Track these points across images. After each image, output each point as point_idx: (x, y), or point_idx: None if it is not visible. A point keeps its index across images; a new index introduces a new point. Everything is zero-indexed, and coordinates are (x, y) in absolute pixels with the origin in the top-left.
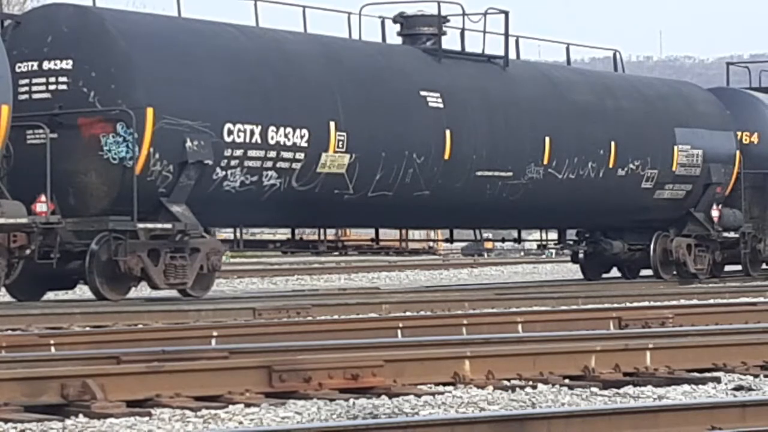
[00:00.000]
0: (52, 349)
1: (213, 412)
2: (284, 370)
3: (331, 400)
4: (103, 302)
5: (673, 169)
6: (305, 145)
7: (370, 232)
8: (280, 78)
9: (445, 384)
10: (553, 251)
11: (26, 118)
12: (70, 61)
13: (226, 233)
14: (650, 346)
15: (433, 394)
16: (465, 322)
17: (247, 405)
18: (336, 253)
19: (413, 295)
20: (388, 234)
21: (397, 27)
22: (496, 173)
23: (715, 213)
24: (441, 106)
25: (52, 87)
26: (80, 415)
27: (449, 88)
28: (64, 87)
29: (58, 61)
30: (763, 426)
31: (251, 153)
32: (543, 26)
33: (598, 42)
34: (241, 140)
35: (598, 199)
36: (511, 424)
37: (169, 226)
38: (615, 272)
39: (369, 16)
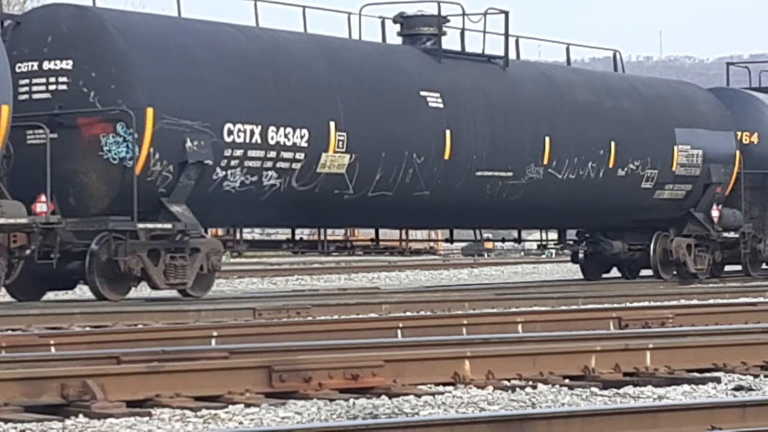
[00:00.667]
0: (52, 349)
1: (213, 412)
2: (284, 370)
3: (331, 400)
4: (103, 302)
5: (673, 169)
6: (305, 145)
7: (382, 233)
8: (280, 78)
9: (445, 384)
10: (553, 251)
11: (26, 118)
12: (70, 61)
13: (245, 233)
14: (650, 346)
15: (433, 394)
16: (465, 322)
17: (247, 405)
18: (345, 253)
19: (413, 295)
20: (391, 234)
21: (397, 27)
22: (496, 173)
23: (715, 213)
24: (441, 106)
25: (52, 87)
26: (80, 415)
27: (449, 88)
28: (64, 87)
29: (58, 61)
30: (763, 426)
31: (251, 153)
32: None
33: (598, 42)
34: (241, 140)
35: (598, 199)
36: (511, 424)
37: (169, 226)
38: (615, 272)
39: (369, 16)
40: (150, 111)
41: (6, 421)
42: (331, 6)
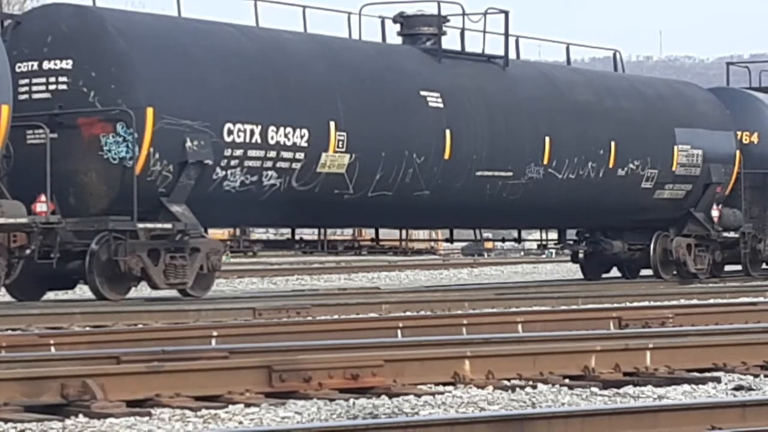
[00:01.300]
0: (52, 349)
1: (213, 412)
2: (284, 370)
3: (331, 400)
4: (103, 302)
5: (673, 169)
6: (305, 145)
7: (385, 233)
8: (280, 78)
9: (445, 384)
10: (553, 251)
11: (26, 118)
12: (70, 61)
13: (259, 233)
14: (650, 346)
15: (433, 394)
16: (465, 322)
17: (247, 405)
18: (352, 253)
19: (413, 295)
20: (394, 234)
21: (397, 27)
22: (496, 173)
23: (715, 213)
24: (441, 106)
25: (52, 87)
26: (80, 415)
27: (449, 88)
28: (64, 87)
29: (58, 61)
30: (763, 426)
31: (251, 153)
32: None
33: (598, 42)
34: (241, 140)
35: (598, 199)
36: (511, 424)
37: (169, 226)
38: (615, 272)
39: (369, 16)
40: (150, 111)
41: (6, 421)
42: (331, 6)
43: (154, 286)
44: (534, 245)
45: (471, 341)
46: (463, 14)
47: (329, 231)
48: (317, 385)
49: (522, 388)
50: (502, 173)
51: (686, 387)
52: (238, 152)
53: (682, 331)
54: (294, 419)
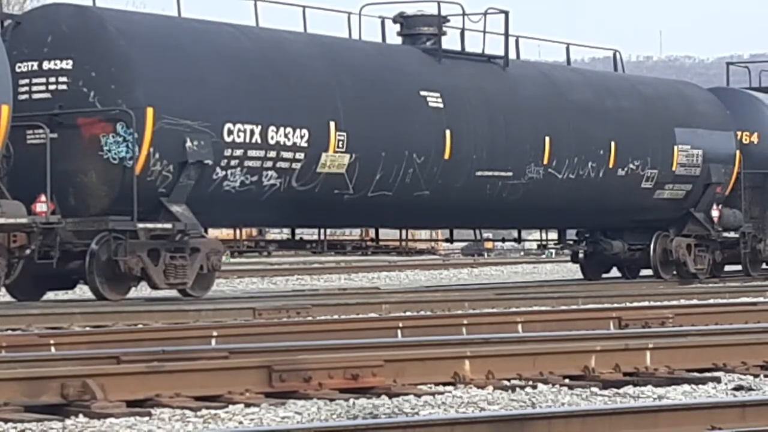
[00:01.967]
0: (52, 349)
1: (213, 412)
2: (284, 370)
3: (331, 400)
4: (103, 302)
5: (673, 169)
6: (305, 145)
7: (387, 233)
8: (280, 78)
9: (445, 384)
10: (553, 251)
11: (26, 118)
12: (70, 61)
13: (274, 233)
14: (650, 346)
15: (433, 394)
16: (465, 322)
17: (247, 405)
18: (359, 253)
19: (413, 295)
20: (396, 234)
21: (397, 27)
22: (496, 173)
23: (715, 213)
24: (441, 106)
25: (52, 87)
26: (80, 415)
27: (449, 88)
28: (64, 87)
29: (58, 61)
30: (763, 426)
31: (251, 153)
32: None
33: (598, 42)
34: (241, 140)
35: (598, 199)
36: (511, 424)
37: (169, 226)
38: (615, 272)
39: (369, 16)
40: (150, 111)
41: (6, 421)
42: (331, 6)
43: (154, 286)
44: (534, 245)
45: (471, 341)
46: (463, 14)
47: (338, 231)
48: (317, 385)
49: (522, 388)
50: (502, 173)
51: (686, 387)
52: (238, 152)
53: (682, 331)
54: (294, 419)
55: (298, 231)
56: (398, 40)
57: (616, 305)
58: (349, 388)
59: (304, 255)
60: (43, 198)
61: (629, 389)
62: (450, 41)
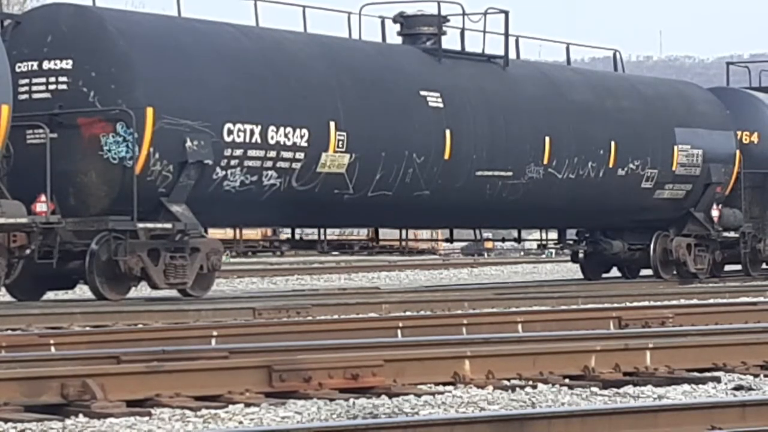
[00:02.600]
0: (52, 349)
1: (213, 412)
2: (284, 370)
3: (331, 399)
4: (103, 302)
5: (673, 168)
6: (305, 144)
7: (389, 233)
8: (280, 78)
9: (445, 384)
10: (553, 251)
11: (26, 118)
12: (70, 61)
13: (286, 234)
14: (650, 346)
15: (433, 394)
16: (465, 322)
17: (247, 405)
18: (365, 253)
19: (413, 295)
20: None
21: (397, 27)
22: (496, 173)
23: (715, 213)
24: (441, 106)
25: (52, 87)
26: (80, 415)
27: (449, 88)
28: (64, 87)
29: (58, 61)
30: (763, 426)
31: (251, 153)
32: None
33: (598, 42)
34: (241, 140)
35: (598, 199)
36: (511, 424)
37: (169, 226)
38: (615, 272)
39: (369, 16)
40: (150, 111)
41: (6, 420)
42: (331, 6)
43: (154, 286)
44: (534, 245)
45: (471, 341)
46: (463, 14)
47: (347, 231)
48: (317, 385)
49: (522, 388)
50: (502, 173)
51: (686, 387)
52: (238, 152)
53: (682, 331)
54: (294, 419)
55: (301, 231)
56: (398, 40)
57: (616, 305)
58: (349, 388)
59: (304, 255)
60: (43, 198)
61: (629, 389)
62: (450, 41)
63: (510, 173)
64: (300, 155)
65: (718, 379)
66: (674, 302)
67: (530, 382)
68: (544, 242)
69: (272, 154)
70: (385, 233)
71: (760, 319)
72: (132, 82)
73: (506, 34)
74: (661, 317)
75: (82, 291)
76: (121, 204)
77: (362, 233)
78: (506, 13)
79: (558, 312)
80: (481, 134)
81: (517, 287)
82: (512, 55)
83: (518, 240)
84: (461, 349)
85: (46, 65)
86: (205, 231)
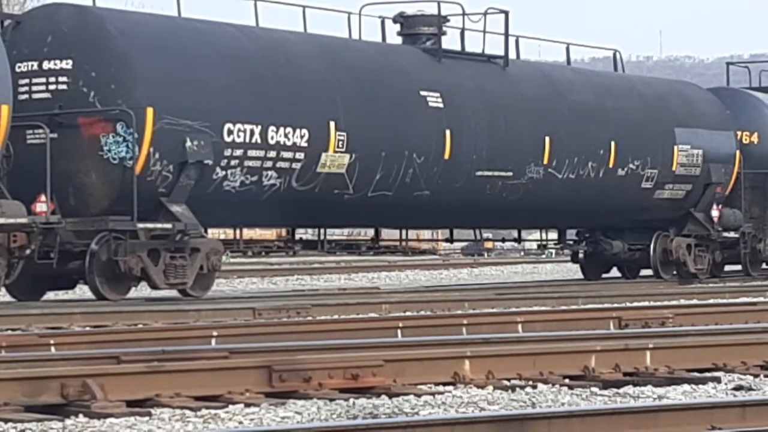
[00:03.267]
0: (52, 349)
1: (213, 412)
2: (284, 370)
3: (331, 400)
4: (103, 302)
5: (673, 169)
6: (305, 145)
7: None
8: (280, 78)
9: (445, 384)
10: (553, 251)
11: (26, 118)
12: (70, 61)
13: (300, 233)
14: (650, 346)
15: (433, 394)
16: (465, 322)
17: (247, 405)
18: (371, 253)
19: (413, 295)
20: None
21: (397, 27)
22: (496, 173)
23: (715, 213)
24: (441, 106)
25: (52, 87)
26: (80, 415)
27: (449, 88)
28: (64, 87)
29: (58, 61)
30: (763, 426)
31: (251, 153)
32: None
33: (598, 42)
34: (241, 140)
35: (598, 199)
36: (511, 424)
37: (169, 226)
38: (615, 272)
39: (369, 16)
40: (150, 111)
41: (6, 420)
42: (331, 6)
43: (154, 286)
44: (534, 245)
45: (471, 341)
46: (463, 14)
47: (355, 231)
48: (317, 385)
49: (522, 388)
50: (502, 173)
51: (686, 387)
52: (238, 152)
53: (682, 331)
54: (294, 419)
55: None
56: (398, 40)
57: (616, 305)
58: (349, 388)
59: (303, 255)
60: (43, 198)
61: (629, 389)
62: (450, 41)
63: (510, 173)
64: (300, 155)
65: (718, 379)
66: (674, 302)
67: (530, 382)
68: (544, 242)
69: (272, 154)
70: (385, 233)
71: (760, 319)
72: (132, 82)
73: (506, 34)
74: (661, 317)
75: (82, 291)
76: (121, 204)
77: (370, 233)
78: (506, 13)
79: (558, 312)
80: (481, 134)
81: (517, 287)
82: (512, 55)
83: (518, 240)
84: (461, 349)
85: (46, 65)
86: (205, 231)
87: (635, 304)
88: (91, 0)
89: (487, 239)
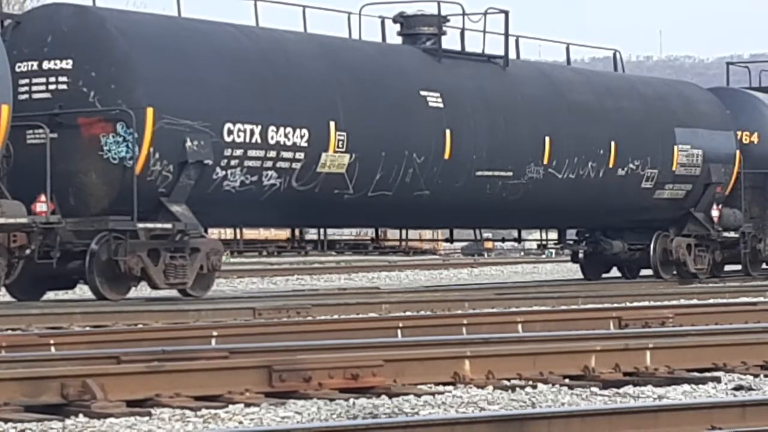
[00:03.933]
0: (52, 349)
1: (213, 412)
2: (284, 370)
3: (331, 400)
4: (103, 302)
5: (673, 169)
6: (305, 144)
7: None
8: (280, 78)
9: (445, 384)
10: (553, 251)
11: (26, 118)
12: (70, 61)
13: (312, 234)
14: (650, 346)
15: (433, 394)
16: (465, 322)
17: (247, 405)
18: (377, 253)
19: (413, 295)
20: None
21: (397, 27)
22: (496, 173)
23: (715, 213)
24: (441, 106)
25: (52, 87)
26: (80, 415)
27: (449, 88)
28: (64, 87)
29: (58, 61)
30: (763, 426)
31: (251, 153)
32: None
33: (598, 42)
34: (241, 140)
35: (598, 199)
36: (511, 424)
37: (169, 226)
38: (615, 272)
39: (369, 16)
40: (150, 111)
41: (6, 420)
42: (331, 6)
43: (154, 286)
44: (534, 245)
45: (471, 341)
46: (463, 14)
47: (362, 232)
48: (317, 385)
49: (522, 388)
50: (502, 173)
51: (686, 387)
52: (238, 152)
53: (682, 331)
54: (294, 419)
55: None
56: (398, 40)
57: (616, 305)
58: (349, 388)
59: (304, 255)
60: (43, 198)
61: (629, 389)
62: (450, 41)
63: (510, 173)
64: (300, 155)
65: (718, 379)
66: (674, 302)
67: (530, 382)
68: (544, 242)
69: (272, 154)
70: (388, 233)
71: (760, 319)
72: (132, 82)
73: (506, 34)
74: (661, 317)
75: (82, 291)
76: (121, 204)
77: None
78: (506, 13)
79: (558, 312)
80: (481, 134)
81: (517, 287)
82: (512, 55)
83: (518, 240)
84: (461, 349)
85: (46, 65)
86: (205, 231)
87: (635, 304)
88: (91, 0)
89: (487, 239)
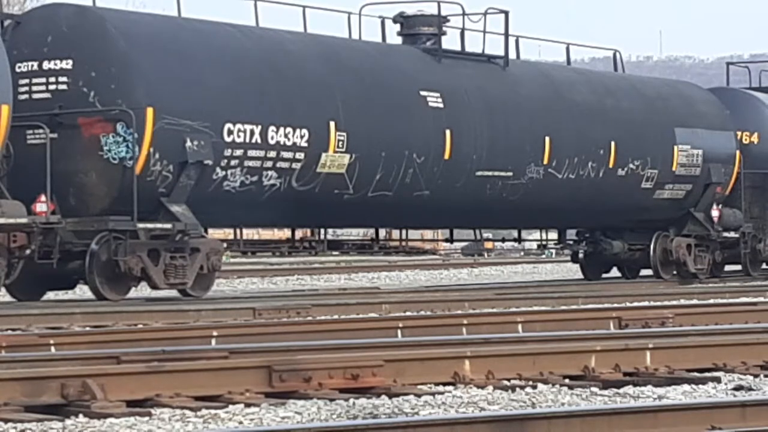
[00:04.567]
0: (52, 349)
1: (213, 412)
2: (284, 370)
3: (331, 400)
4: (103, 302)
5: (673, 169)
6: (305, 145)
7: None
8: (280, 78)
9: (445, 384)
10: (553, 251)
11: (26, 118)
12: (70, 61)
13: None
14: (650, 346)
15: (433, 394)
16: (465, 322)
17: (247, 405)
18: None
19: (413, 295)
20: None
21: (397, 27)
22: (496, 173)
23: (715, 213)
24: (441, 106)
25: (52, 87)
26: (80, 415)
27: (449, 88)
28: (64, 87)
29: (58, 61)
30: (763, 426)
31: (251, 153)
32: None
33: (598, 42)
34: (241, 140)
35: (598, 199)
36: (511, 424)
37: (169, 226)
38: (615, 272)
39: (369, 16)
40: (150, 111)
41: (6, 420)
42: (331, 6)
43: (154, 286)
44: (534, 245)
45: (471, 341)
46: (463, 14)
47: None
48: (317, 385)
49: (522, 388)
50: (502, 173)
51: (686, 387)
52: (238, 152)
53: (682, 331)
54: (294, 419)
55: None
56: (398, 40)
57: (616, 305)
58: (349, 388)
59: (304, 255)
60: (43, 198)
61: (629, 389)
62: (450, 41)
63: (510, 173)
64: (300, 155)
65: (718, 379)
66: (674, 302)
67: (530, 382)
68: (544, 242)
69: (272, 154)
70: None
71: (760, 319)
72: (132, 82)
73: (506, 34)
74: (661, 317)
75: (82, 291)
76: (121, 204)
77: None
78: (506, 13)
79: (558, 312)
80: (481, 134)
81: (517, 287)
82: (512, 55)
83: (518, 240)
84: (461, 349)
85: (46, 65)
86: (205, 231)
87: (635, 304)
88: (91, 0)
89: (487, 239)
